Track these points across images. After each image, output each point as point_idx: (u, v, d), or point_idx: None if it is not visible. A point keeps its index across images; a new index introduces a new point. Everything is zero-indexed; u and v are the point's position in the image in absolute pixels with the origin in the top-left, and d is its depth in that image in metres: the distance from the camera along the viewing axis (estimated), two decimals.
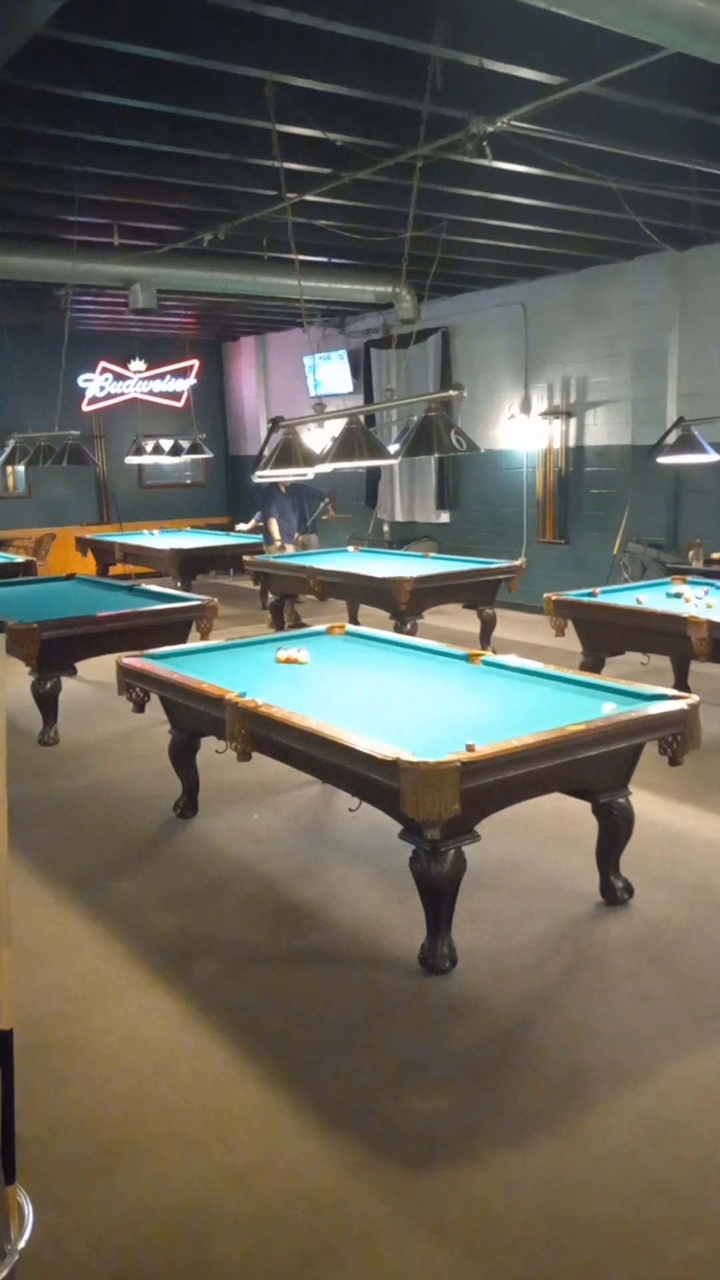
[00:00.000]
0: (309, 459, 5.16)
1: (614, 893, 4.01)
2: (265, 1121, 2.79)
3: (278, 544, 10.42)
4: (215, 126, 5.56)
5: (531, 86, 4.94)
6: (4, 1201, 2.03)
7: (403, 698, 4.37)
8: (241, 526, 11.89)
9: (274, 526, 10.42)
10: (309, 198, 6.66)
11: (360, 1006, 3.36)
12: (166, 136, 5.69)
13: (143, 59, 4.59)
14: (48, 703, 6.37)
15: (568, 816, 4.55)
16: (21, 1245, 2.04)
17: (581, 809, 4.05)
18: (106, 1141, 2.71)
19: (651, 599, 6.43)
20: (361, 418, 5.23)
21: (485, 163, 5.62)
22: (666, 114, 5.45)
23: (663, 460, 7.13)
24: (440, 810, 3.16)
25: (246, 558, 9.58)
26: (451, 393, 5.32)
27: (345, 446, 5.06)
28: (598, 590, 6.66)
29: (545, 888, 4.19)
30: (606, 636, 6.41)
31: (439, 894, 3.46)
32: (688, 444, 6.68)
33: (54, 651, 6.22)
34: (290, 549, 10.36)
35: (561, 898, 4.08)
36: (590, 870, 4.08)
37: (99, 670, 7.14)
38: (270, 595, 9.42)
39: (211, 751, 4.62)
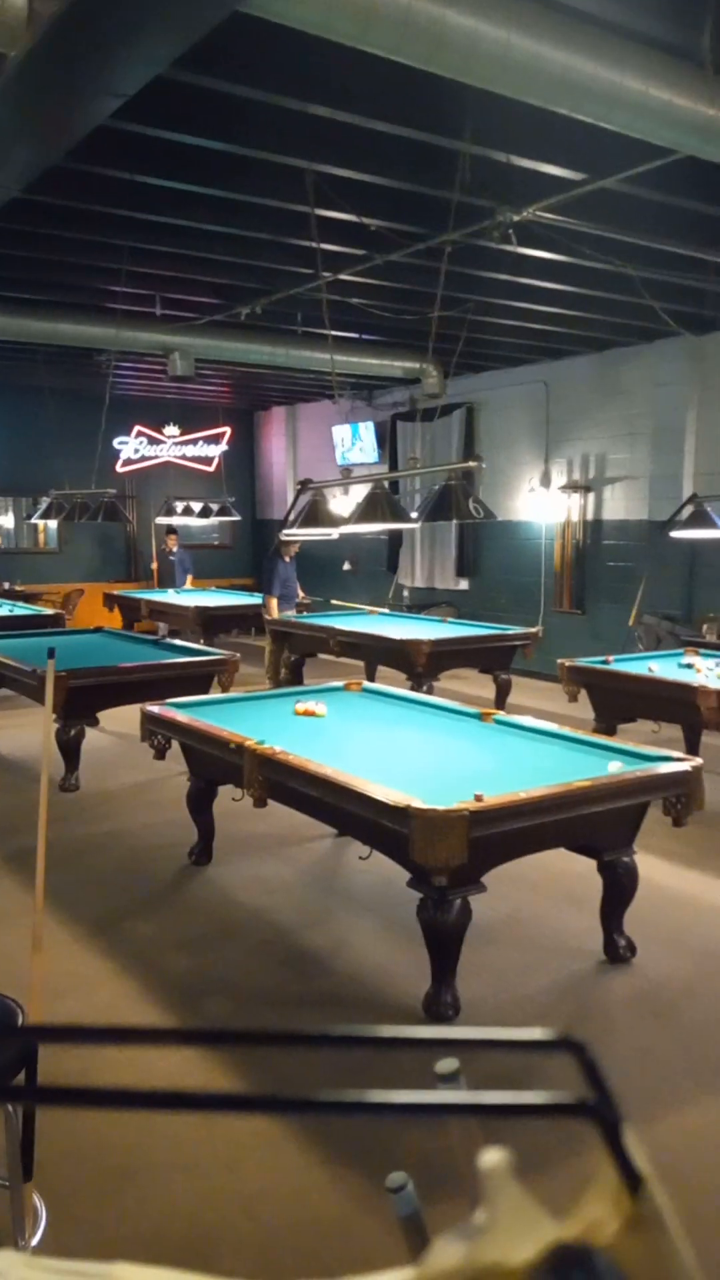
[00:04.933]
0: (333, 520, 5.39)
1: (617, 950, 4.09)
2: (272, 1151, 2.87)
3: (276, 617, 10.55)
4: (257, 209, 5.90)
5: (555, 181, 5.25)
6: (20, 1200, 2.13)
7: (415, 750, 4.51)
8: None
9: (273, 605, 10.50)
10: (343, 276, 7.00)
11: (364, 1050, 3.43)
12: (211, 217, 6.05)
13: (193, 147, 4.93)
14: (71, 750, 6.54)
15: (573, 875, 4.64)
16: (34, 1243, 2.14)
17: (587, 868, 4.15)
18: (118, 1166, 2.80)
19: (664, 668, 6.57)
20: (386, 483, 5.46)
21: (510, 248, 5.93)
22: (683, 208, 5.76)
23: (675, 535, 7.31)
24: (448, 857, 3.29)
25: (268, 616, 9.82)
26: (471, 464, 5.55)
27: (369, 510, 5.28)
28: (611, 657, 6.81)
29: (550, 944, 4.28)
30: (619, 703, 6.53)
31: (444, 942, 3.57)
32: (700, 519, 6.86)
33: (80, 700, 6.41)
34: (292, 614, 10.53)
35: (565, 954, 4.17)
36: (595, 929, 4.16)
37: (121, 722, 7.31)
38: (267, 653, 9.73)
39: (228, 800, 4.76)
